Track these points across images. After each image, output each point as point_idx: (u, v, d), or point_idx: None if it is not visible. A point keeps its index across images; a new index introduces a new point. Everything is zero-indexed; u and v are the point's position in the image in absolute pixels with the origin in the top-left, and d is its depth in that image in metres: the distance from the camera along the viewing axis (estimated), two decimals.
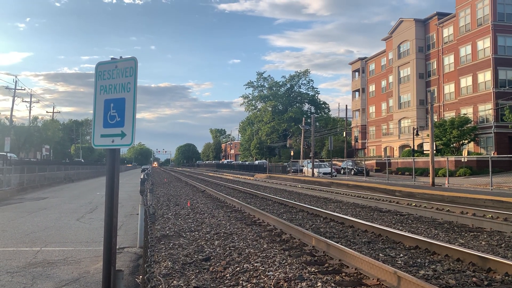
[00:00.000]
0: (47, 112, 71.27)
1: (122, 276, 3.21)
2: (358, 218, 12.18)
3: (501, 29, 43.91)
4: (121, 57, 3.57)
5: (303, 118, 62.67)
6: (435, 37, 53.75)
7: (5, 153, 28.88)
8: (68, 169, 41.93)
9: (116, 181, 3.34)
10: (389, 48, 62.53)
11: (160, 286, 5.60)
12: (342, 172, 46.93)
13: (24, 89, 54.72)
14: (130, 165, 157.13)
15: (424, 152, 49.96)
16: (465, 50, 47.47)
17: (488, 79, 44.06)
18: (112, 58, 3.62)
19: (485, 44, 44.63)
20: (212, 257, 7.52)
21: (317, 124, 75.40)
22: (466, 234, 10.12)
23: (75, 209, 16.05)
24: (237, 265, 6.93)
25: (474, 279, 6.12)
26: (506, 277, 6.16)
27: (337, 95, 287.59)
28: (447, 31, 51.47)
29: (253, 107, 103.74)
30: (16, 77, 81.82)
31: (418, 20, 55.93)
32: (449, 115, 49.04)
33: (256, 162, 77.80)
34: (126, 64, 3.52)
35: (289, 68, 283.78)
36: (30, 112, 58.67)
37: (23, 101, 56.78)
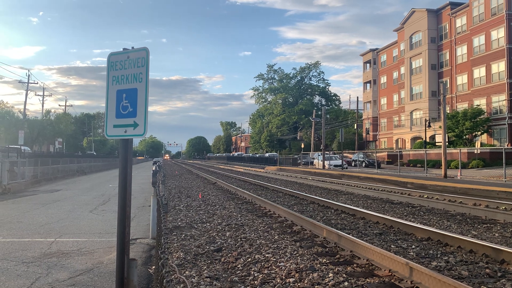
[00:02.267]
0: (59, 105, 72.00)
1: (136, 265, 3.25)
2: (370, 210, 12.13)
3: None
4: (132, 47, 3.58)
5: (314, 110, 62.42)
6: (447, 28, 52.96)
7: (19, 146, 29.27)
8: (80, 161, 42.39)
9: (129, 171, 3.37)
10: (401, 39, 61.80)
11: (174, 275, 5.65)
12: (353, 164, 46.76)
13: (37, 83, 55.53)
14: (141, 157, 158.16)
15: (436, 144, 49.42)
16: (479, 40, 46.71)
17: (502, 69, 43.35)
18: (124, 49, 3.63)
19: (499, 34, 43.86)
20: (223, 248, 7.56)
21: (328, 116, 75.04)
22: (479, 226, 10.03)
23: (88, 201, 16.24)
24: (248, 256, 6.96)
25: (487, 270, 6.08)
26: None
27: (349, 87, 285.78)
28: (460, 21, 50.67)
29: (263, 100, 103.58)
30: (29, 71, 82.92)
31: (430, 10, 55.12)
32: (461, 106, 48.45)
33: (267, 154, 77.77)
34: (138, 55, 3.53)
35: (300, 60, 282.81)
36: (43, 106, 59.40)
37: (36, 94, 57.47)
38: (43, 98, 58.34)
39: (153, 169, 10.16)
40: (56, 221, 11.24)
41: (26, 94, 51.50)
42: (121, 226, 3.32)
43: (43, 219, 11.48)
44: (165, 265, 2.35)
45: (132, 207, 13.12)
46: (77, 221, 11.30)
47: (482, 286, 5.41)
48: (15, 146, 28.18)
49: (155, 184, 9.25)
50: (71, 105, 76.34)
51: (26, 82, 51.15)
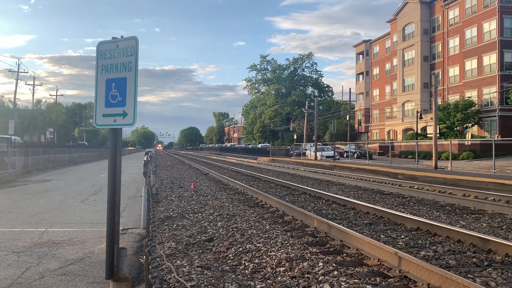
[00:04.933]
0: (50, 95, 71.21)
1: (126, 254, 3.25)
2: (360, 200, 12.23)
3: (508, 10, 43.24)
4: (122, 36, 3.56)
5: (307, 102, 62.45)
6: (440, 19, 53.04)
7: (10, 136, 28.98)
8: (72, 152, 42.12)
9: (118, 160, 3.37)
10: (394, 31, 61.82)
11: (164, 266, 5.68)
12: (345, 156, 46.96)
13: (27, 72, 54.61)
14: (132, 148, 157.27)
15: (428, 135, 49.85)
16: (471, 32, 46.88)
17: (494, 61, 43.60)
18: (113, 38, 3.60)
19: (491, 26, 44.04)
20: (215, 238, 7.59)
21: (321, 107, 75.10)
22: (467, 216, 10.16)
23: (79, 191, 16.18)
24: (239, 245, 7.00)
25: (474, 259, 6.17)
26: (506, 258, 6.20)
27: (343, 78, 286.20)
28: (453, 13, 50.76)
29: (256, 91, 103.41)
30: (18, 59, 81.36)
31: (423, 2, 55.12)
32: (453, 98, 48.72)
33: (259, 145, 77.85)
34: (127, 44, 3.51)
35: (295, 51, 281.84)
36: (33, 95, 58.63)
37: (26, 84, 56.74)
38: (34, 87, 57.68)
39: (145, 159, 10.15)
40: (47, 211, 11.20)
41: (16, 83, 50.94)
42: (111, 214, 3.33)
43: (34, 209, 11.44)
44: (152, 252, 2.37)
45: (123, 198, 13.11)
46: (68, 211, 11.27)
47: (469, 275, 5.50)
48: (5, 136, 27.92)
49: (147, 174, 9.24)
50: (62, 95, 75.37)
51: (16, 71, 50.54)
